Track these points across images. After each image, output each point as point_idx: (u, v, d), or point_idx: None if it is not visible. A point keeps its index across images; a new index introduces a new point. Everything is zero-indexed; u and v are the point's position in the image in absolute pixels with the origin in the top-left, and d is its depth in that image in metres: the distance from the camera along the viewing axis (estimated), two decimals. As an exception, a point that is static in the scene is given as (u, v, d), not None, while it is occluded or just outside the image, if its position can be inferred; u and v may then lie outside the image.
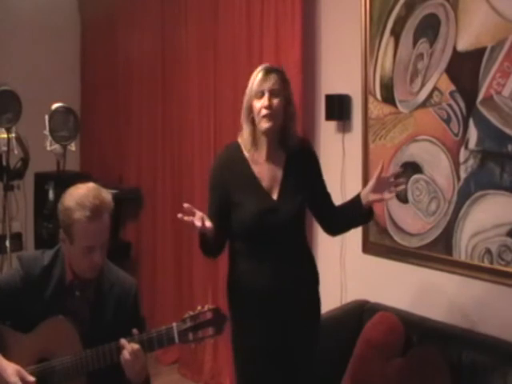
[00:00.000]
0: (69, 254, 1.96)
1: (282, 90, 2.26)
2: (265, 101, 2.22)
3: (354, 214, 2.34)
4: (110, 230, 1.95)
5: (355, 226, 2.51)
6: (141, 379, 1.91)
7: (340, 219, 2.40)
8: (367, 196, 2.28)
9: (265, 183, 2.28)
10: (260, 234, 2.24)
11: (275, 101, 2.23)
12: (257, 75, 2.26)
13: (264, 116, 2.23)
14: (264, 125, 2.24)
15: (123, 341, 1.85)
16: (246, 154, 2.31)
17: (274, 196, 2.28)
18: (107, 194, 1.94)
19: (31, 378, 1.86)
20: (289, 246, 2.28)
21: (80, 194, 1.90)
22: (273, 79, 2.24)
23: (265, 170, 2.29)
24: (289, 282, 2.25)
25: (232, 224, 2.28)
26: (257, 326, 2.26)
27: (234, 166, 2.31)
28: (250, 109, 2.27)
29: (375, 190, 2.26)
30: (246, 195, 2.26)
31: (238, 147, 2.33)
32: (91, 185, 1.95)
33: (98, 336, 1.91)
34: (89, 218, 1.86)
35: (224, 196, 2.29)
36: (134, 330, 1.87)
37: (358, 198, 2.31)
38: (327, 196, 2.42)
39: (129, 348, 1.83)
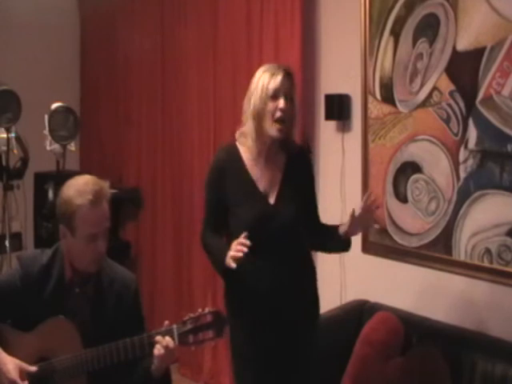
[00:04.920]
0: (70, 250, 1.97)
1: (293, 96, 2.22)
2: (281, 103, 2.16)
3: (330, 237, 2.31)
4: (110, 219, 1.96)
5: (330, 249, 2.45)
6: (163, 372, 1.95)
7: (319, 237, 2.37)
8: (345, 226, 2.24)
9: (262, 186, 2.25)
10: (257, 238, 2.15)
11: (289, 106, 2.19)
12: (274, 74, 2.19)
13: (277, 119, 2.17)
14: (275, 132, 2.18)
15: (159, 337, 1.86)
16: (244, 156, 2.27)
17: (271, 200, 2.24)
18: (105, 183, 1.97)
19: (32, 368, 1.87)
20: (287, 249, 2.26)
21: (79, 184, 1.93)
22: (289, 83, 2.20)
23: (263, 173, 2.26)
24: (287, 283, 2.24)
25: (229, 226, 2.26)
26: (255, 328, 2.25)
27: (231, 168, 2.26)
28: (262, 107, 2.18)
29: (358, 219, 2.22)
30: (242, 200, 2.22)
31: (235, 149, 2.29)
32: (87, 175, 1.99)
33: (99, 333, 1.92)
34: (91, 201, 1.88)
35: (221, 198, 2.26)
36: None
37: (337, 225, 2.30)
38: (315, 209, 2.39)
39: (164, 343, 1.85)
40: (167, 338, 1.85)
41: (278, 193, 2.25)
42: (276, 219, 2.20)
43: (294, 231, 2.29)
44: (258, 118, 2.20)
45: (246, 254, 2.05)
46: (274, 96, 2.18)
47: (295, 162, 2.31)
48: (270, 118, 2.18)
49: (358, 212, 2.22)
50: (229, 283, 2.33)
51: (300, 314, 2.28)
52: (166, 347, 1.84)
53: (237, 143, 2.30)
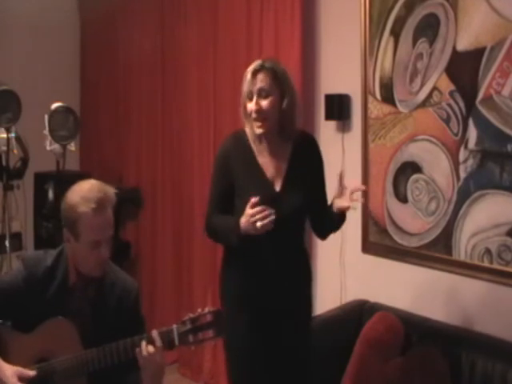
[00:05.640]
0: (74, 254, 1.96)
1: (272, 87, 2.21)
2: (253, 104, 2.21)
3: (329, 217, 2.31)
4: (113, 226, 1.95)
5: (331, 227, 2.39)
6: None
7: (325, 222, 2.38)
8: (335, 202, 2.24)
9: (269, 174, 2.27)
10: None
11: (264, 102, 2.20)
12: (246, 76, 2.24)
13: (254, 120, 2.22)
14: (256, 130, 2.23)
15: (143, 343, 1.85)
16: (252, 143, 2.30)
17: (277, 187, 2.26)
18: (110, 189, 1.96)
19: (30, 373, 1.86)
20: (288, 244, 2.27)
21: (84, 190, 1.91)
22: (260, 79, 2.20)
23: (269, 162, 2.28)
24: (284, 281, 2.25)
25: (235, 212, 2.25)
26: (250, 325, 2.25)
27: (239, 154, 2.29)
28: (244, 109, 2.26)
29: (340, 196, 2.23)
30: (248, 184, 2.23)
31: (244, 136, 2.32)
32: (93, 181, 1.97)
33: (99, 336, 1.91)
34: (94, 209, 1.86)
35: (228, 184, 2.28)
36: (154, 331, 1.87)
37: (331, 203, 2.30)
38: (324, 196, 2.40)
39: (143, 349, 1.83)
40: (147, 345, 1.83)
41: (283, 181, 2.27)
42: (280, 207, 2.19)
43: (296, 222, 2.30)
44: (246, 118, 2.28)
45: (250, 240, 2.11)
46: (250, 98, 2.23)
47: (301, 150, 2.32)
48: (250, 118, 2.24)
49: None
50: (225, 273, 2.35)
51: (291, 314, 2.29)
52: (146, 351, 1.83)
53: (246, 129, 2.32)
